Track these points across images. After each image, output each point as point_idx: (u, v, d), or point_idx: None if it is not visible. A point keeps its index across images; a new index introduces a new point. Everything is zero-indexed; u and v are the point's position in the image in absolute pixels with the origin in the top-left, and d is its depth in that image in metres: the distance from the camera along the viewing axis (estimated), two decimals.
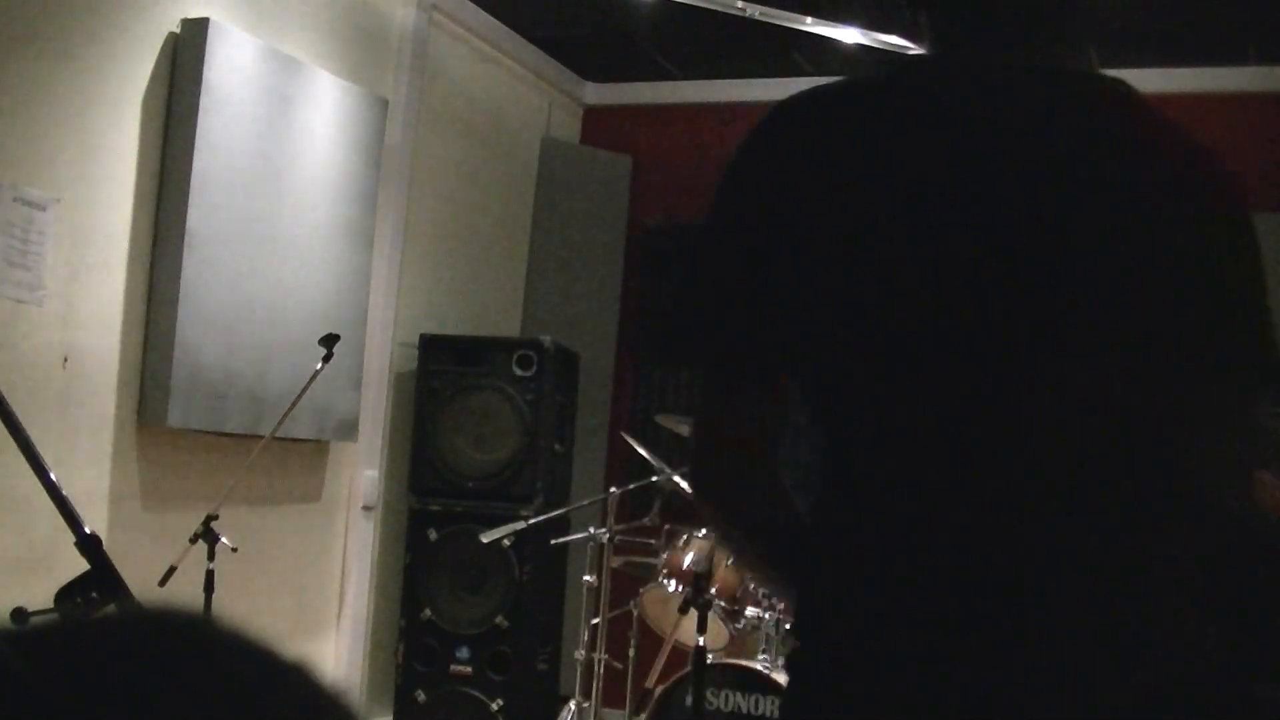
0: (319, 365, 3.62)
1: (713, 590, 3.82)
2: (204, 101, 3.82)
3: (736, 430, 1.32)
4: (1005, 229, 1.23)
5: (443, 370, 5.04)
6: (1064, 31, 1.32)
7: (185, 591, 3.35)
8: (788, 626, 4.25)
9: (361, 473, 4.88)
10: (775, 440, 1.32)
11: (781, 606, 4.18)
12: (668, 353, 1.31)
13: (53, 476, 1.72)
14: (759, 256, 1.26)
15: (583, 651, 4.34)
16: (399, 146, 4.91)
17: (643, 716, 4.06)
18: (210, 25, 3.85)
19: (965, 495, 1.22)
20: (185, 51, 3.86)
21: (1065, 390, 1.23)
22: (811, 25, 4.93)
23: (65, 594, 1.65)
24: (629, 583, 4.50)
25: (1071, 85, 1.30)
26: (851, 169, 1.24)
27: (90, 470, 3.69)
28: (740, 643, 4.23)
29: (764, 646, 4.11)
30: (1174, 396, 1.26)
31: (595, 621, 4.37)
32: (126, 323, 3.77)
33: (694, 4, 4.77)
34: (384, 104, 4.71)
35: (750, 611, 4.18)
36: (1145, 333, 1.25)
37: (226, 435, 4.02)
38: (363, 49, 4.78)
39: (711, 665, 3.94)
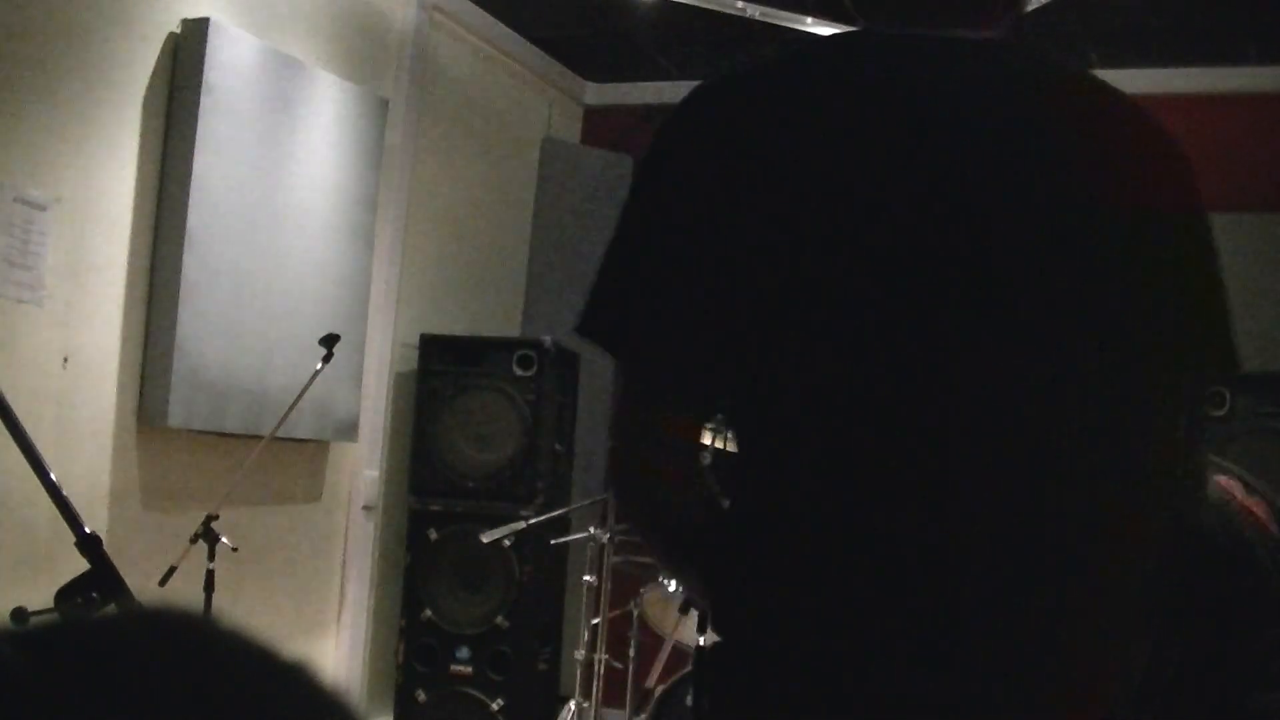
0: (319, 365, 3.62)
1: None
2: (204, 101, 3.82)
3: (658, 427, 1.28)
4: (931, 211, 1.19)
5: (443, 370, 5.04)
6: (989, 8, 1.28)
7: (185, 591, 3.35)
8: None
9: (361, 473, 4.88)
10: (694, 438, 1.30)
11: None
12: (591, 337, 1.24)
13: (53, 476, 1.72)
14: (683, 245, 1.23)
15: (583, 651, 4.34)
16: (399, 146, 4.91)
17: (643, 716, 4.06)
18: (210, 25, 3.85)
19: (893, 490, 1.20)
20: (185, 51, 3.86)
21: (991, 383, 1.20)
22: (811, 25, 4.93)
23: (65, 594, 1.65)
24: (629, 583, 4.50)
25: (998, 59, 1.26)
26: (771, 151, 1.21)
27: (90, 470, 3.69)
28: None
29: None
30: (1104, 386, 1.21)
31: (595, 621, 4.37)
32: (126, 323, 3.77)
33: (694, 4, 4.77)
34: (384, 104, 4.71)
35: None
36: (1070, 319, 1.20)
37: (227, 435, 4.02)
38: (363, 49, 4.78)
39: None
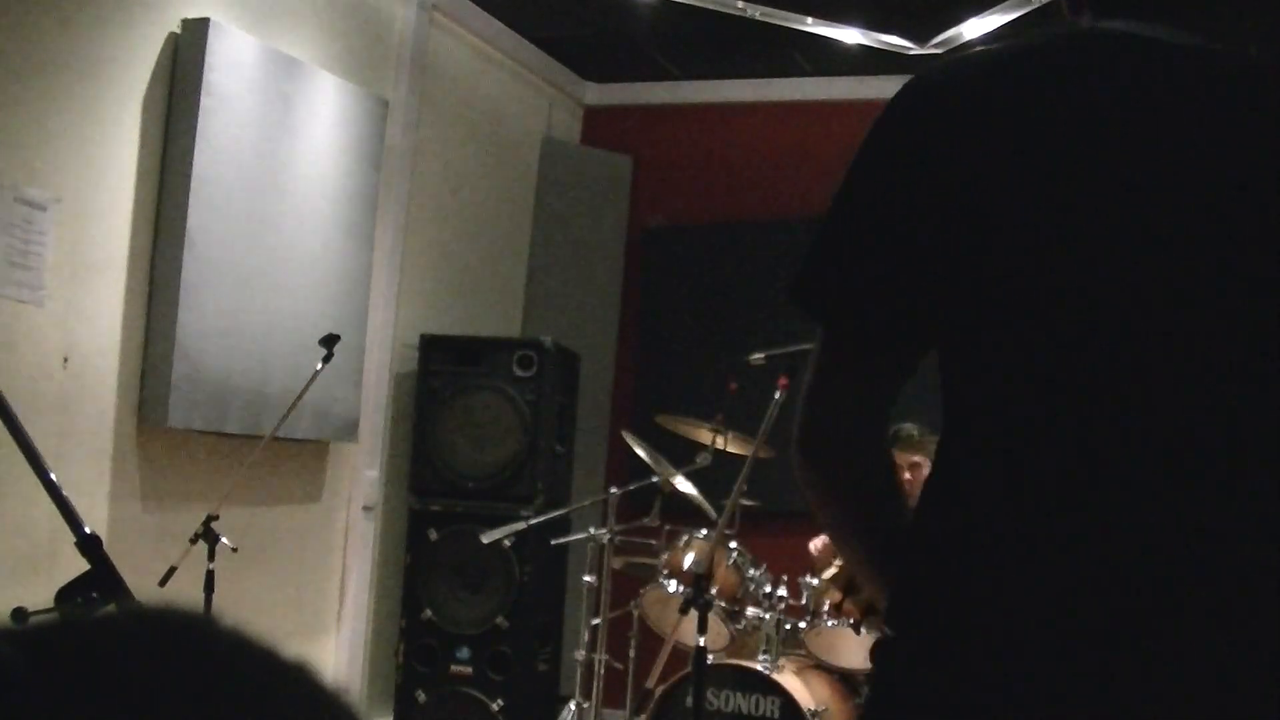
0: (319, 365, 3.62)
1: (713, 591, 3.82)
2: (204, 101, 3.82)
3: (853, 394, 1.27)
4: (1156, 209, 1.17)
5: (443, 370, 5.04)
6: (1217, 13, 1.27)
7: (185, 591, 3.35)
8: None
9: (361, 473, 4.88)
10: (888, 410, 1.27)
11: (783, 607, 4.18)
12: (799, 300, 1.23)
13: (53, 476, 1.72)
14: (901, 219, 1.21)
15: (583, 651, 4.34)
16: (399, 146, 4.91)
17: (643, 717, 4.06)
18: (210, 25, 3.85)
19: (1101, 483, 1.14)
20: (185, 51, 3.86)
21: (1212, 377, 1.16)
22: (811, 25, 4.93)
23: (65, 594, 1.65)
24: (629, 583, 4.50)
25: (1235, 69, 1.25)
26: (999, 138, 1.19)
27: (90, 470, 3.69)
28: (740, 643, 4.22)
29: (764, 647, 4.11)
30: None
31: (595, 622, 4.37)
32: (126, 323, 3.77)
33: (694, 4, 4.77)
34: (384, 104, 4.71)
35: (750, 612, 4.18)
36: None
37: (227, 435, 4.02)
38: (363, 49, 4.78)
39: (712, 666, 3.94)
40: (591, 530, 4.31)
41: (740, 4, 4.75)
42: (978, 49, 1.28)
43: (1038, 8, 4.34)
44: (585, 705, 4.36)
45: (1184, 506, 1.15)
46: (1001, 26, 4.56)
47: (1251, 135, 1.21)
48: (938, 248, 1.19)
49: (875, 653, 1.26)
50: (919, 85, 1.27)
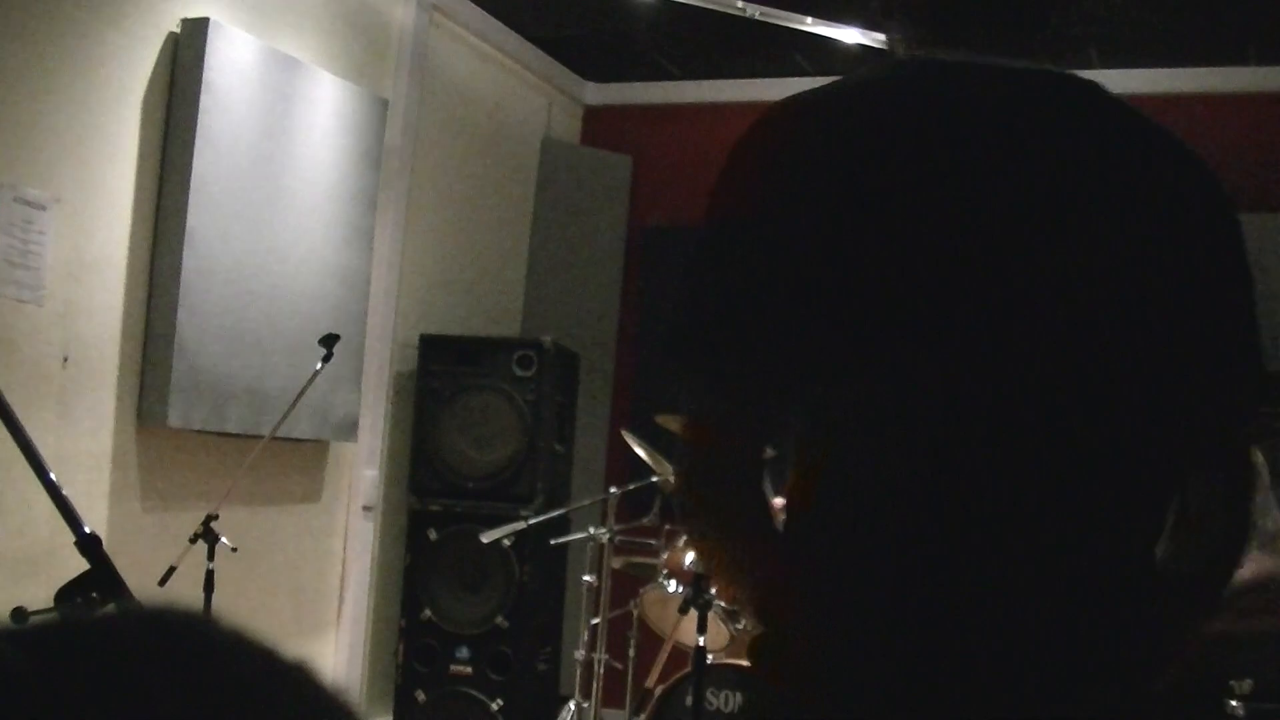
0: (319, 365, 3.61)
1: (713, 590, 3.82)
2: (204, 101, 3.82)
3: (732, 439, 1.31)
4: (996, 234, 1.23)
5: (443, 370, 5.04)
6: (1036, 37, 1.34)
7: (185, 591, 3.35)
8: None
9: (361, 473, 4.88)
10: (762, 451, 1.33)
11: None
12: (671, 357, 1.26)
13: (53, 476, 1.72)
14: (758, 263, 1.25)
15: (583, 651, 4.34)
16: (399, 146, 4.91)
17: (643, 717, 4.06)
18: (210, 25, 3.85)
19: (954, 507, 1.23)
20: (185, 51, 3.86)
21: (1049, 398, 1.23)
22: (811, 25, 4.93)
23: (65, 594, 1.65)
24: (629, 583, 4.50)
25: (1049, 85, 1.31)
26: (845, 172, 1.23)
27: (90, 470, 3.69)
28: (740, 643, 4.22)
29: None
30: (1153, 403, 1.27)
31: (595, 621, 4.37)
32: (126, 322, 3.77)
33: (694, 4, 4.77)
34: (384, 104, 4.71)
35: None
36: (1121, 333, 1.25)
37: (226, 435, 4.02)
38: (363, 49, 4.78)
39: (711, 665, 3.94)
40: (591, 530, 4.31)
41: (740, 4, 4.75)
42: (833, 80, 1.33)
43: None
44: (585, 705, 4.36)
45: (1031, 528, 1.23)
46: None
47: (1096, 149, 1.29)
48: (825, 279, 1.22)
49: (760, 648, 1.33)
50: (772, 123, 1.29)
